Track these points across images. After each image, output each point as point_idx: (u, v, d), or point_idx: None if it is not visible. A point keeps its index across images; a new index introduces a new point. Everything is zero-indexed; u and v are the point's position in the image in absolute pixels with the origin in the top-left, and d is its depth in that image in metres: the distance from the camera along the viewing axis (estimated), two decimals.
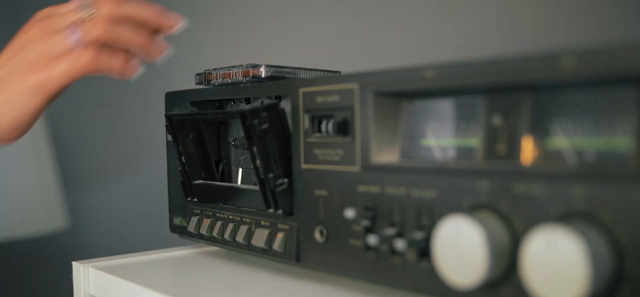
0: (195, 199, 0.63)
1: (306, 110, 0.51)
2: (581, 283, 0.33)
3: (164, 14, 0.60)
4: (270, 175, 0.52)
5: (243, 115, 0.52)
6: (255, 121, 0.51)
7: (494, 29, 0.74)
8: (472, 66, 0.40)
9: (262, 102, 0.56)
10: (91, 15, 0.56)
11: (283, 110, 0.52)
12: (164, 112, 0.68)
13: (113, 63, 0.57)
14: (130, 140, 1.34)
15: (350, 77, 0.47)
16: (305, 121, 0.51)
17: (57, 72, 0.55)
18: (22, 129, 0.59)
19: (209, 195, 0.61)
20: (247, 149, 0.54)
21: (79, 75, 0.56)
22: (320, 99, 0.50)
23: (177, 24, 0.60)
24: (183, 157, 0.62)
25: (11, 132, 0.58)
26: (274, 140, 0.52)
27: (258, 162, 0.52)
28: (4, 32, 1.80)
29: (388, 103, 0.46)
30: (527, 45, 0.69)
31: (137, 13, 0.58)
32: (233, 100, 0.60)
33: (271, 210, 0.53)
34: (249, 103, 0.59)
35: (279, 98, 0.54)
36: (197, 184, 0.62)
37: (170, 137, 0.65)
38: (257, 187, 0.54)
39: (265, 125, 0.51)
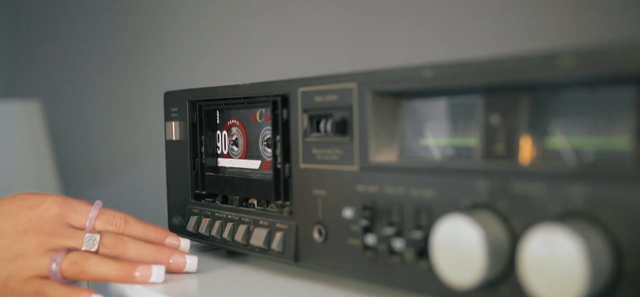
0: (204, 192, 0.63)
1: (304, 110, 0.51)
2: (580, 283, 0.33)
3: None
4: (287, 165, 0.52)
5: (275, 102, 0.52)
6: (285, 110, 0.52)
7: (493, 28, 0.74)
8: (470, 66, 0.40)
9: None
10: (91, 244, 0.54)
11: None
12: (163, 112, 0.68)
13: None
14: (129, 140, 1.34)
15: (348, 77, 0.47)
16: (303, 121, 0.51)
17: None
18: None
19: (219, 186, 0.61)
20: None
21: None
22: (318, 99, 0.50)
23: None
24: (203, 148, 0.63)
25: None
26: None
27: (278, 151, 0.53)
28: (4, 32, 1.80)
29: (386, 102, 0.46)
30: (525, 44, 0.68)
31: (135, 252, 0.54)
32: (232, 99, 0.60)
33: (280, 201, 0.54)
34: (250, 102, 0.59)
35: (281, 97, 0.54)
36: (209, 175, 0.62)
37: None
38: (268, 178, 0.55)
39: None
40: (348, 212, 0.47)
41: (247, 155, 0.60)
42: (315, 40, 0.94)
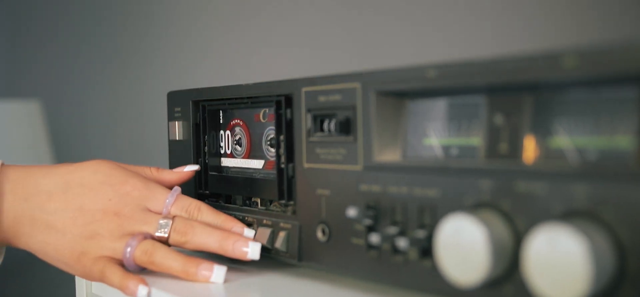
0: (207, 191, 0.63)
1: (308, 110, 0.51)
2: (583, 282, 0.33)
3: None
4: (291, 165, 0.53)
5: (278, 102, 0.53)
6: (289, 109, 0.52)
7: (494, 28, 0.74)
8: (473, 65, 0.40)
9: None
10: (164, 232, 0.56)
11: None
12: (165, 112, 0.68)
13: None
14: (131, 141, 1.34)
15: (352, 77, 0.48)
16: (307, 120, 0.51)
17: (107, 281, 0.54)
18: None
19: (222, 186, 0.61)
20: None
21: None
22: (322, 98, 0.50)
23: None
24: (206, 147, 0.63)
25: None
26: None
27: (281, 151, 0.53)
28: (4, 32, 1.80)
29: (390, 102, 0.46)
30: (526, 44, 0.69)
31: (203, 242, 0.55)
32: (235, 99, 0.60)
33: (283, 201, 0.54)
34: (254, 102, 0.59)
35: (284, 97, 0.54)
36: (213, 175, 0.63)
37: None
38: (272, 177, 0.55)
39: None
40: (352, 212, 0.47)
41: (251, 155, 0.60)
42: (318, 40, 0.94)
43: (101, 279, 0.55)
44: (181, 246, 0.56)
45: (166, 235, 0.55)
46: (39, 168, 0.59)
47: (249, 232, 0.56)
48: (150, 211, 0.57)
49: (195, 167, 0.63)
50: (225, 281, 0.54)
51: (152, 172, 0.61)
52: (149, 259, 0.54)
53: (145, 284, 0.53)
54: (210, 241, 0.55)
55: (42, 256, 0.57)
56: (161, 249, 0.55)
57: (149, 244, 0.55)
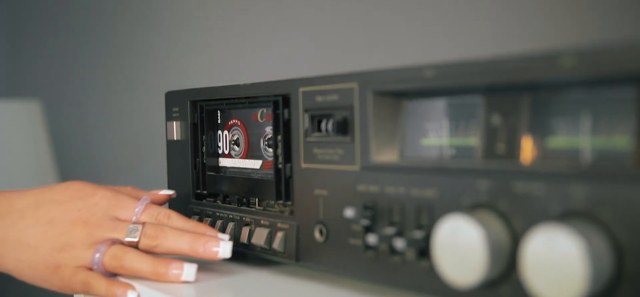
0: (205, 191, 0.63)
1: (306, 110, 0.51)
2: (580, 282, 0.33)
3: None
4: (289, 165, 0.52)
5: (276, 102, 0.53)
6: (286, 110, 0.52)
7: (493, 28, 0.74)
8: (471, 66, 0.40)
9: None
10: (134, 236, 0.55)
11: None
12: (164, 112, 0.68)
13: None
14: (130, 140, 1.34)
15: (349, 77, 0.47)
16: (304, 121, 0.51)
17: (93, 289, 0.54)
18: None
19: (220, 186, 0.61)
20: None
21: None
22: (319, 99, 0.50)
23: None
24: (204, 147, 0.63)
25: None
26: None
27: (279, 151, 0.53)
28: (4, 32, 1.80)
29: (387, 102, 0.46)
30: (526, 44, 0.69)
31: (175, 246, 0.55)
32: (233, 99, 0.60)
33: (281, 201, 0.54)
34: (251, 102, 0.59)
35: (282, 97, 0.54)
36: (210, 175, 0.62)
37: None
38: (270, 177, 0.55)
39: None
40: (349, 212, 0.47)
41: (249, 155, 0.60)
42: (316, 40, 0.94)
43: (85, 290, 0.54)
44: (152, 250, 0.55)
45: (136, 239, 0.55)
46: (15, 191, 0.59)
47: (223, 236, 0.56)
48: (120, 219, 0.57)
49: (171, 192, 0.63)
50: (217, 280, 0.54)
51: (128, 190, 0.61)
52: (118, 264, 0.54)
53: (133, 289, 0.52)
54: (180, 243, 0.54)
55: (17, 276, 0.57)
56: (130, 253, 0.54)
57: (117, 248, 0.54)
